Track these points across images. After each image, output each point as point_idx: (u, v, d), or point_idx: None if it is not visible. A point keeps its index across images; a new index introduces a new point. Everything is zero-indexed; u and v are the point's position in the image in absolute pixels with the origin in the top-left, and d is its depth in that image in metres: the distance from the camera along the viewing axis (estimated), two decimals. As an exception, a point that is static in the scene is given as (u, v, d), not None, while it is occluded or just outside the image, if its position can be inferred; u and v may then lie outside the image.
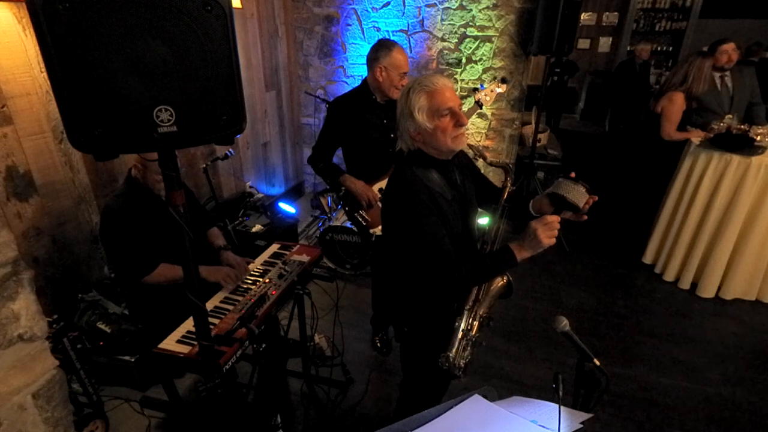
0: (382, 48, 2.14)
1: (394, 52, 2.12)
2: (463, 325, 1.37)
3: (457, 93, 1.54)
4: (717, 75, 3.26)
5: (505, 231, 1.56)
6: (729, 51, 3.18)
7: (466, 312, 1.39)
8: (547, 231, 1.27)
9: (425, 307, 1.51)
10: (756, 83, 3.50)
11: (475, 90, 2.39)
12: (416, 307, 1.53)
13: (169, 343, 1.58)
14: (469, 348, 1.38)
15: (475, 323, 1.39)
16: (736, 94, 3.31)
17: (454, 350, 1.33)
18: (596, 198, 1.36)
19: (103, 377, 2.29)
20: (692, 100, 3.26)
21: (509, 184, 1.61)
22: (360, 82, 2.28)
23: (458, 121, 1.34)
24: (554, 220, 1.28)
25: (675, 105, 3.28)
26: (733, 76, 3.31)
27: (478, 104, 2.37)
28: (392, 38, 3.89)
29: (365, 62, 2.19)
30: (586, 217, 1.39)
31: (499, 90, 2.42)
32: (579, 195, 1.32)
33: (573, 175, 1.37)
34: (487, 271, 1.38)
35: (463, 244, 1.46)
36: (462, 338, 1.35)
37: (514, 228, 3.27)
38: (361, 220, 2.37)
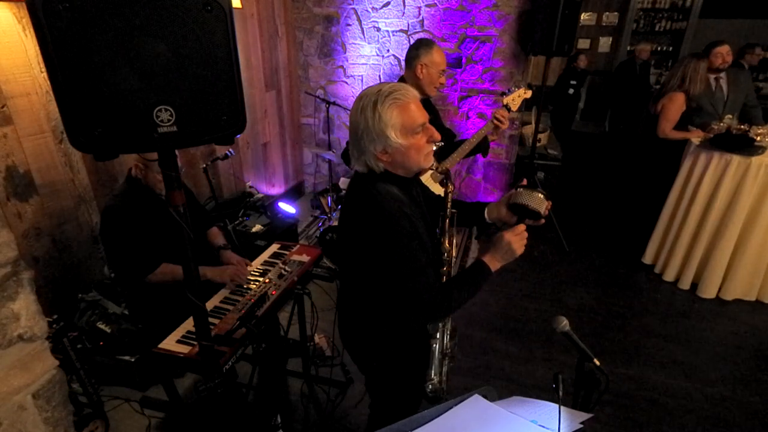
0: (422, 46, 2.20)
1: (434, 50, 2.18)
2: (439, 347, 1.33)
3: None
4: (712, 77, 3.29)
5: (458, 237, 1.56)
6: (723, 53, 3.22)
7: (440, 332, 1.35)
8: (520, 241, 1.28)
9: (400, 340, 1.39)
10: (752, 86, 3.53)
11: (503, 94, 2.38)
12: (389, 340, 1.40)
13: (169, 343, 1.59)
14: (446, 365, 1.37)
15: (447, 339, 1.37)
16: (731, 96, 3.34)
17: (436, 375, 1.30)
18: (551, 203, 1.37)
19: (103, 377, 2.28)
20: (691, 100, 3.28)
21: (452, 190, 1.57)
22: (360, 82, 2.29)
23: (431, 137, 1.23)
24: (523, 229, 1.29)
25: (675, 104, 3.28)
26: (728, 79, 3.34)
27: (507, 108, 2.35)
28: (392, 38, 3.89)
29: (365, 62, 2.20)
30: (543, 221, 1.38)
31: (526, 96, 2.42)
32: (539, 202, 1.33)
33: (525, 182, 1.38)
34: (470, 291, 1.28)
35: (435, 263, 1.37)
36: (441, 360, 1.34)
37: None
38: None
